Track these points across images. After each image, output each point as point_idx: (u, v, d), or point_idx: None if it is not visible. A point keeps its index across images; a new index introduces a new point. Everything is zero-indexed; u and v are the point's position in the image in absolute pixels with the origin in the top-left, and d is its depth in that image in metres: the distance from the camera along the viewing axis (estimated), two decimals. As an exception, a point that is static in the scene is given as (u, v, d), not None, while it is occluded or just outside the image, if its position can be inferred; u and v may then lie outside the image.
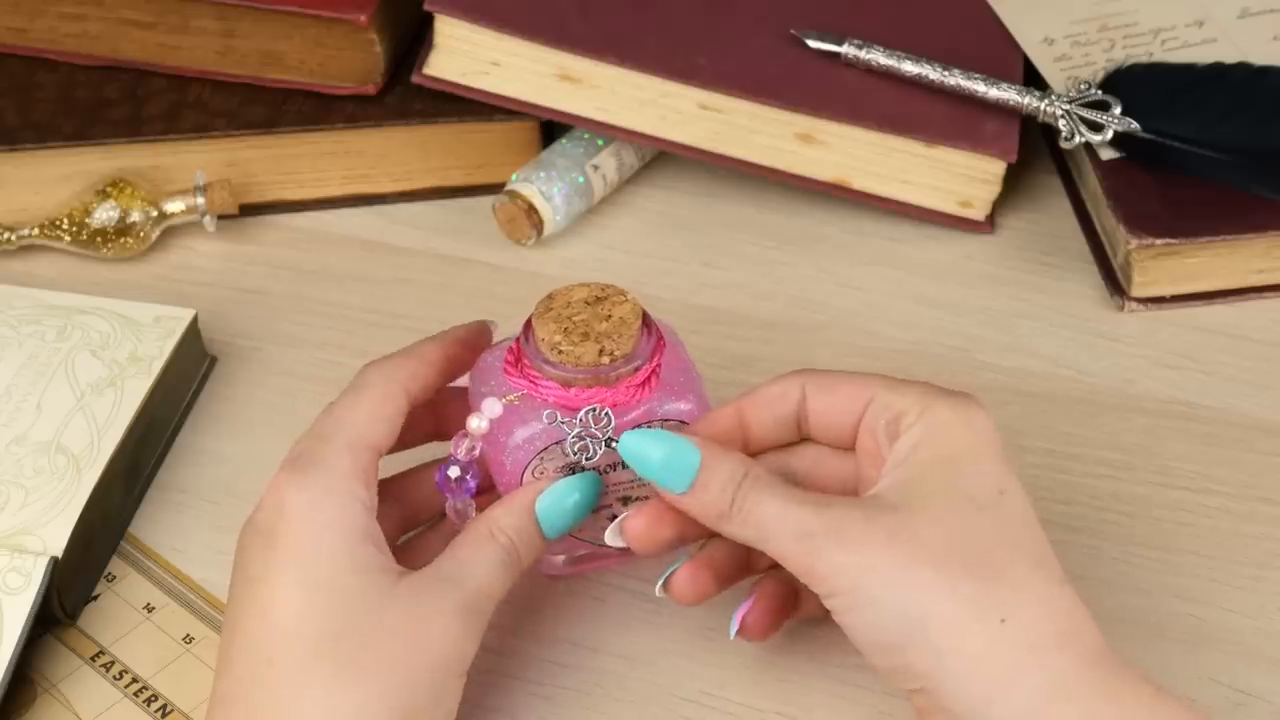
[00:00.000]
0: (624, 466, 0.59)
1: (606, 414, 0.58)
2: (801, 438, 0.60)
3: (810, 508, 0.54)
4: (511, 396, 0.59)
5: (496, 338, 0.64)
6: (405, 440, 0.63)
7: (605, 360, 0.58)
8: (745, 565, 0.61)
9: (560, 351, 0.58)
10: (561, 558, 0.65)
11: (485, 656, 0.63)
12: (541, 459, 0.59)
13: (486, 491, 0.62)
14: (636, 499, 0.61)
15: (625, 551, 0.63)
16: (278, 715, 0.53)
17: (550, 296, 0.60)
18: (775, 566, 0.59)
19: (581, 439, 0.59)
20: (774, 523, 0.55)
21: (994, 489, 0.55)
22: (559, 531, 0.59)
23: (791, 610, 0.60)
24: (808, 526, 0.54)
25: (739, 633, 0.60)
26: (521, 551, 0.58)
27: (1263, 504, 0.68)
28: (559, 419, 0.58)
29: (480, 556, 0.57)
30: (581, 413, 0.58)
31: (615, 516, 0.60)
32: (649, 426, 0.59)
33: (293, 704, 0.53)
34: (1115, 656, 0.53)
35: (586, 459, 0.59)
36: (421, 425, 0.64)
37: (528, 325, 0.60)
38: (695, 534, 0.58)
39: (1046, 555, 0.54)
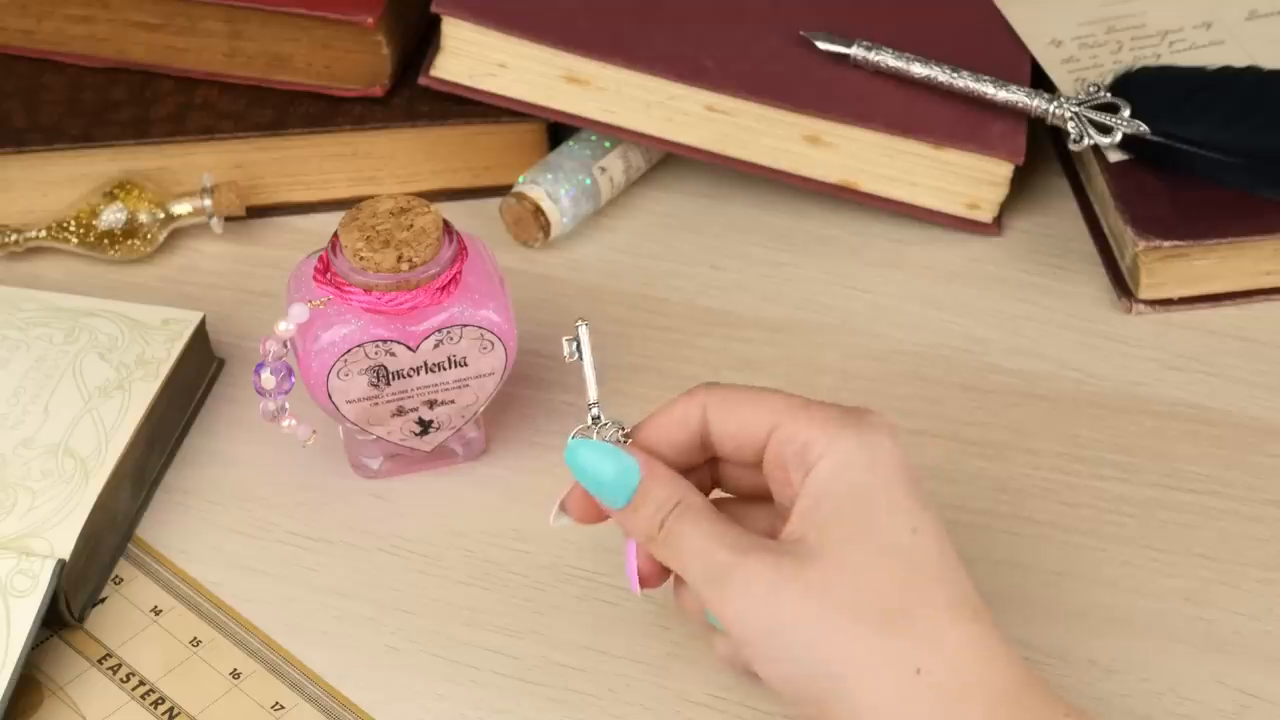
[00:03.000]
0: (428, 371, 0.65)
1: (617, 424, 0.59)
2: (711, 456, 0.60)
3: (726, 552, 0.55)
4: (317, 300, 0.64)
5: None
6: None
7: (404, 267, 0.63)
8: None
9: (362, 258, 0.63)
10: (377, 461, 0.69)
11: (493, 658, 0.63)
12: (345, 361, 0.64)
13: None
14: (442, 402, 0.66)
15: (433, 455, 0.68)
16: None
17: (358, 207, 0.64)
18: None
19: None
20: (691, 558, 0.56)
21: (907, 529, 0.55)
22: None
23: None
24: (719, 572, 0.55)
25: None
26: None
27: (1271, 507, 0.68)
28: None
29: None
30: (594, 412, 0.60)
31: (421, 419, 0.66)
32: (594, 429, 0.59)
33: None
34: (1039, 688, 0.53)
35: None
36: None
37: (335, 235, 0.64)
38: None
39: (961, 591, 0.55)
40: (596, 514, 0.60)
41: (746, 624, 0.55)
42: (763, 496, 0.60)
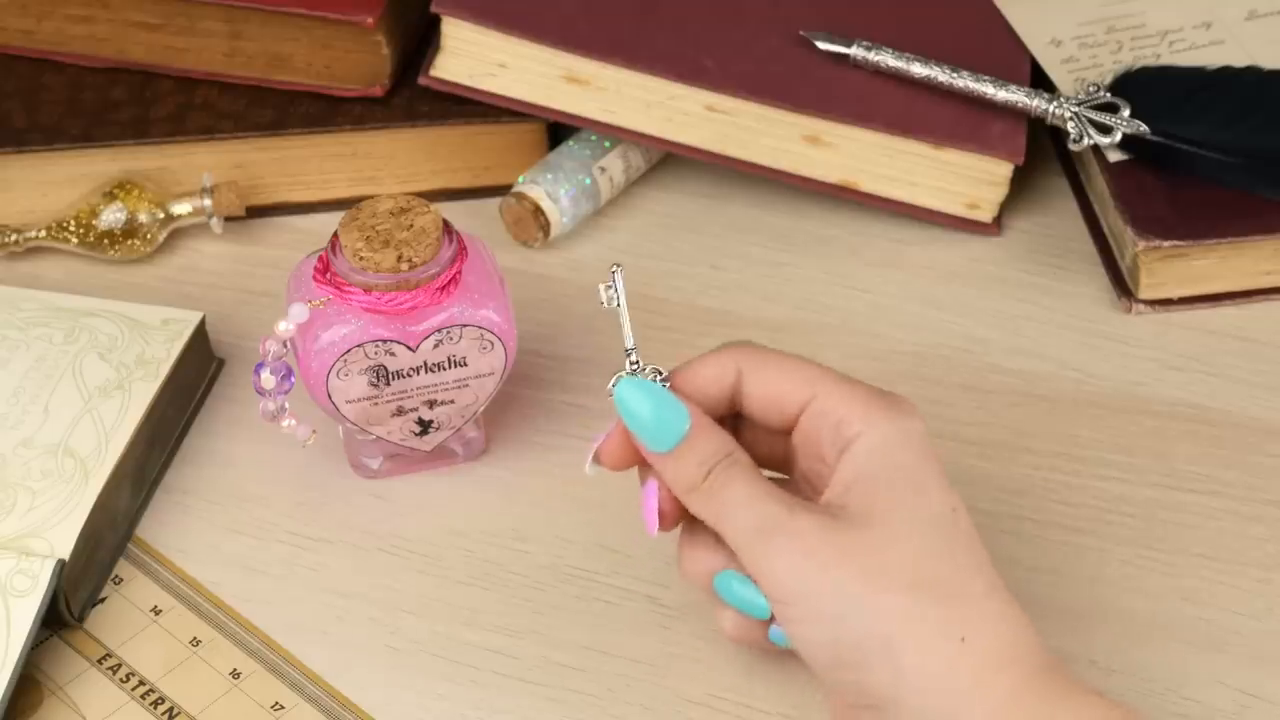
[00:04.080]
0: (428, 371, 0.65)
1: (654, 369, 0.59)
2: (733, 413, 0.60)
3: (778, 505, 0.55)
4: (317, 300, 0.64)
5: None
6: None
7: (404, 267, 0.63)
8: None
9: (361, 258, 0.63)
10: (377, 461, 0.69)
11: (494, 658, 0.63)
12: (345, 361, 0.64)
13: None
14: (442, 402, 0.66)
15: (433, 455, 0.68)
16: None
17: (358, 207, 0.64)
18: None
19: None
20: (738, 509, 0.56)
21: (947, 508, 0.56)
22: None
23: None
24: (768, 523, 0.55)
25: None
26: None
27: (1270, 507, 0.68)
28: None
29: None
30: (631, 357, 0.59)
31: (421, 419, 0.66)
32: (636, 374, 0.59)
33: None
34: (1062, 668, 0.54)
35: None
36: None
37: (335, 235, 0.64)
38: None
39: (995, 575, 0.56)
40: (631, 461, 0.59)
41: (792, 581, 0.55)
42: (777, 464, 0.60)
